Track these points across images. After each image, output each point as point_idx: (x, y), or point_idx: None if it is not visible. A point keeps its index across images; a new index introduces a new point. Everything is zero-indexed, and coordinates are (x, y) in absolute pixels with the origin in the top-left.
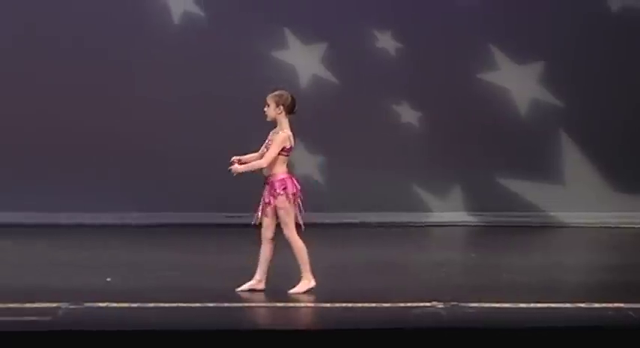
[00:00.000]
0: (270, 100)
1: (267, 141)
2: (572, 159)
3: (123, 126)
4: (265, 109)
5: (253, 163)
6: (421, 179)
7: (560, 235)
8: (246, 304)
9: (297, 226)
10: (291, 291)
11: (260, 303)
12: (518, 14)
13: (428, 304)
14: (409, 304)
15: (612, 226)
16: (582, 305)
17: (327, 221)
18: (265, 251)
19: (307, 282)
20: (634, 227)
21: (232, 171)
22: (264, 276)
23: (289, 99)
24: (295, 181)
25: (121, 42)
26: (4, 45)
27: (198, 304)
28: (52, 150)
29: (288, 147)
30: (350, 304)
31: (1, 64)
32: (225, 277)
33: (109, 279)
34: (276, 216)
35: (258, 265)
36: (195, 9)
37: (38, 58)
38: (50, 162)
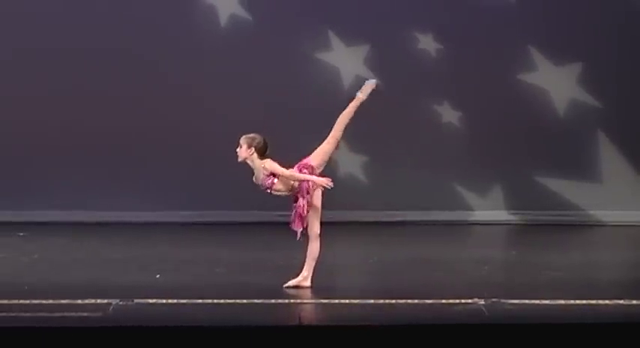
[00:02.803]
0: (242, 141)
1: (262, 182)
2: (610, 158)
3: (169, 126)
4: (237, 149)
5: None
6: (462, 178)
7: (599, 234)
8: (292, 301)
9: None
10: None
11: (305, 299)
12: (556, 15)
13: (469, 300)
14: (451, 301)
15: None
16: (621, 302)
17: (370, 219)
18: (312, 248)
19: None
20: None
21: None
22: (311, 273)
23: (262, 142)
24: (305, 172)
25: (167, 44)
26: (56, 49)
27: (245, 301)
28: (103, 150)
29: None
30: (393, 301)
31: (51, 67)
32: (272, 274)
33: (158, 276)
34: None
35: (305, 262)
36: (241, 12)
37: (81, 60)
38: (101, 162)
